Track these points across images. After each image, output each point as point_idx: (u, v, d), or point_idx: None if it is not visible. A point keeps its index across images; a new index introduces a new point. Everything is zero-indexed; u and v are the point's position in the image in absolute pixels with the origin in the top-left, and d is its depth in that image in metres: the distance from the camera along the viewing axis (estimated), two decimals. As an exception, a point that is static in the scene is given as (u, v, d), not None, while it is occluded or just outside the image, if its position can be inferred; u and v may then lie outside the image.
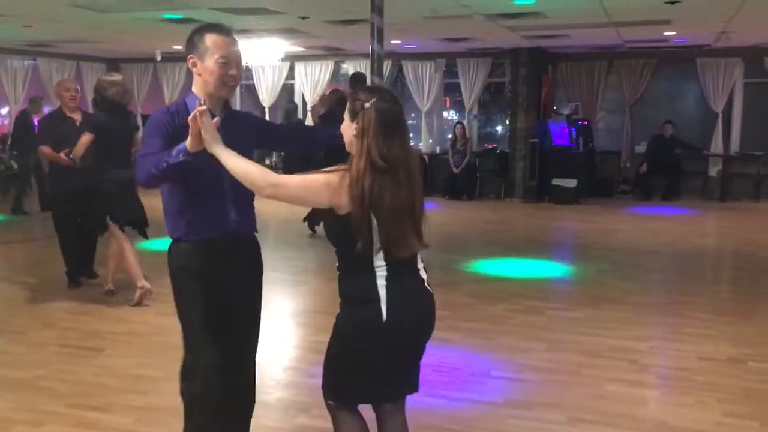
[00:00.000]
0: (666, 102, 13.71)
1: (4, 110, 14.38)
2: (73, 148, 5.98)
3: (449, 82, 14.70)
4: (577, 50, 13.36)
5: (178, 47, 11.01)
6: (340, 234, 2.45)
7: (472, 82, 14.06)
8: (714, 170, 13.19)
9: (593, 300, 6.16)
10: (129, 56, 15.15)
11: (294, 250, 8.45)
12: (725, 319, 5.60)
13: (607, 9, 8.59)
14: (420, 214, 2.49)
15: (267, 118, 15.19)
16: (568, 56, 13.79)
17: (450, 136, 14.03)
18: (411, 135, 2.63)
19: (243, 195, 2.82)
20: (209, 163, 2.52)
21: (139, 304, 5.89)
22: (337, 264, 2.55)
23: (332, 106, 7.81)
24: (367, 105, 2.39)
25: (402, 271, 2.47)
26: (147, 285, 5.88)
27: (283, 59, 13.19)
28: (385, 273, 2.44)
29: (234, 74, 2.77)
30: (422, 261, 2.58)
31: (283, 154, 12.10)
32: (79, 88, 6.65)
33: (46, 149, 6.34)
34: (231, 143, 2.54)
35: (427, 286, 2.57)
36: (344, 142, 2.51)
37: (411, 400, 2.69)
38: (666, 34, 11.04)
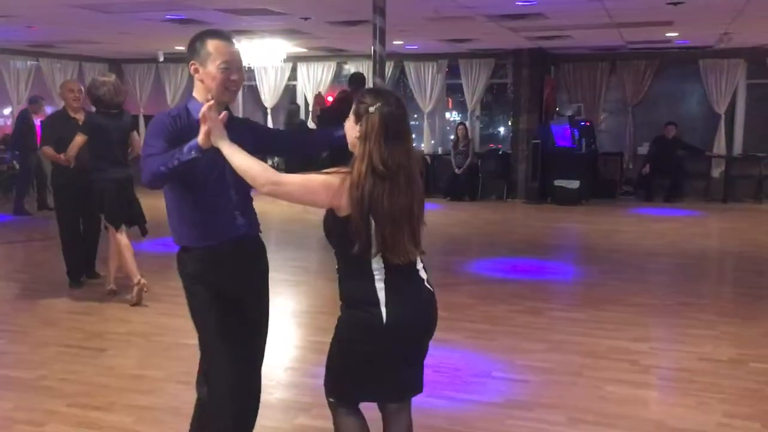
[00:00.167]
0: (668, 103, 13.70)
1: (7, 111, 14.41)
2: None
3: (451, 83, 14.70)
4: (580, 51, 13.35)
5: (181, 48, 11.01)
6: (339, 236, 2.45)
7: (474, 83, 14.05)
8: (717, 171, 13.16)
9: (594, 301, 6.16)
10: (131, 57, 15.17)
11: (294, 250, 8.45)
12: (727, 320, 5.60)
13: (609, 10, 8.58)
14: (419, 219, 2.49)
15: (269, 118, 15.21)
16: (571, 57, 13.78)
17: (452, 137, 14.03)
18: (414, 136, 2.64)
19: (246, 199, 2.89)
20: (214, 171, 2.58)
21: (138, 302, 5.90)
22: (336, 266, 2.56)
23: (332, 105, 7.84)
24: (371, 109, 2.40)
25: (401, 273, 2.47)
26: (142, 280, 5.87)
27: (286, 60, 13.19)
28: (383, 276, 2.44)
29: (236, 79, 2.80)
30: (422, 261, 2.58)
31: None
32: (83, 89, 6.68)
33: (47, 149, 6.39)
34: None
35: (428, 285, 2.57)
36: (346, 143, 2.53)
37: (411, 400, 2.69)
38: (668, 35, 11.02)
